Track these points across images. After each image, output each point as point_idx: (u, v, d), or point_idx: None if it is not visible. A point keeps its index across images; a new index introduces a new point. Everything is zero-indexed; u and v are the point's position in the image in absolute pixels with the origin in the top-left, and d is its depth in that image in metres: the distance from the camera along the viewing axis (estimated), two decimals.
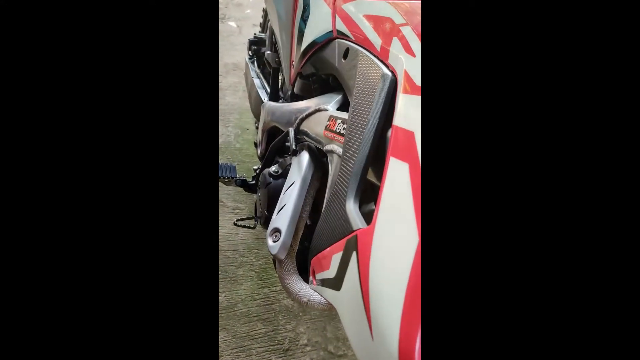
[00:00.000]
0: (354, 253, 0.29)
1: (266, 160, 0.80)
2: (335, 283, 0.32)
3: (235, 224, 0.89)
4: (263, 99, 1.03)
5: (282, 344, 1.14)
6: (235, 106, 1.97)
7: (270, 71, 1.00)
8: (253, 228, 0.87)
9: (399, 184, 0.26)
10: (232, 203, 1.49)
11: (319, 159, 0.62)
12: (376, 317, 0.24)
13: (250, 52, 1.42)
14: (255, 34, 1.40)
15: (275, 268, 0.62)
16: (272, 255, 0.57)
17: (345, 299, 0.29)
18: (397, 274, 0.22)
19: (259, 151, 0.96)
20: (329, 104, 0.59)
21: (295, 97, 0.79)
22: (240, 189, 1.53)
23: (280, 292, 1.26)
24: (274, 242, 0.57)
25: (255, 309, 1.20)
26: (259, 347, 1.12)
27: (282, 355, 1.11)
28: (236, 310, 1.19)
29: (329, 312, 1.24)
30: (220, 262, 1.29)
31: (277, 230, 0.58)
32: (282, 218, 0.58)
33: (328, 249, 0.36)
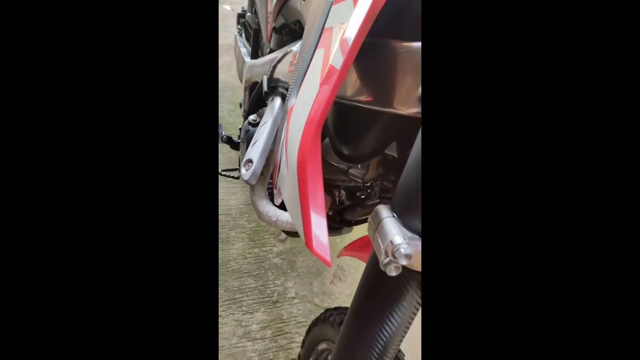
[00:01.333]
0: (285, 126, 0.35)
1: (248, 113, 0.86)
2: (282, 167, 0.38)
3: (220, 174, 0.95)
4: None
5: (271, 297, 1.21)
6: (229, 84, 2.03)
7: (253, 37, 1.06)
8: (237, 178, 0.94)
9: (317, 64, 0.32)
10: None
11: None
12: (289, 152, 0.30)
13: (239, 26, 1.48)
14: (243, 7, 1.45)
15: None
16: (245, 181, 0.64)
17: (282, 166, 0.35)
18: (301, 116, 0.29)
19: (243, 110, 1.02)
20: (295, 45, 0.65)
21: (272, 53, 0.85)
22: (233, 158, 1.60)
23: (269, 252, 1.33)
24: (246, 170, 0.64)
25: (246, 266, 1.28)
26: (249, 300, 1.19)
27: (271, 306, 1.19)
28: (228, 267, 1.26)
29: (316, 270, 1.31)
30: None
31: (249, 161, 0.64)
32: (254, 150, 0.65)
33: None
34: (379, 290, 0.31)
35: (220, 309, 1.16)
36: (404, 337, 0.34)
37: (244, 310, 1.16)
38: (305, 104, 0.29)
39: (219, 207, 1.42)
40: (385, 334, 0.32)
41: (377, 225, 0.28)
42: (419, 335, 0.33)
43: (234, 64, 2.19)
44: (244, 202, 1.46)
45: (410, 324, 0.33)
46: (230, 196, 1.47)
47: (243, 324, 1.14)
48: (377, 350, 0.32)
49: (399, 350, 0.56)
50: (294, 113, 0.32)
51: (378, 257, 0.28)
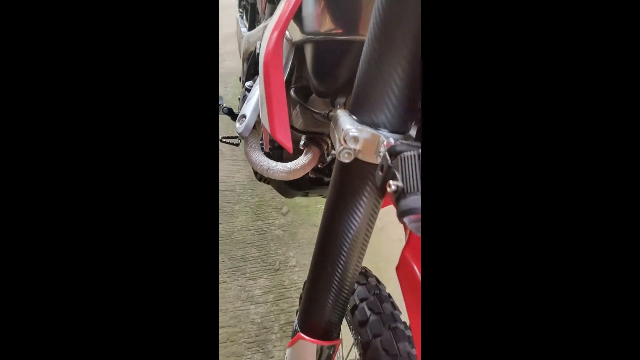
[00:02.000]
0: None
1: (245, 82, 0.91)
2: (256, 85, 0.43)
3: (220, 141, 1.01)
4: None
5: (273, 265, 1.27)
6: (233, 70, 2.09)
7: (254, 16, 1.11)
8: (237, 145, 0.99)
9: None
10: (230, 151, 1.62)
11: None
12: (259, 65, 0.35)
13: (240, 10, 1.53)
14: None
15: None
16: (238, 134, 0.69)
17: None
18: (269, 32, 0.34)
19: (242, 82, 1.08)
20: None
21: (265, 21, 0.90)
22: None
23: (272, 224, 1.39)
24: (240, 124, 0.69)
25: (250, 237, 1.34)
26: (252, 267, 1.25)
27: (273, 273, 1.25)
28: (232, 237, 1.32)
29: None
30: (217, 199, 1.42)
31: (243, 116, 0.70)
32: (248, 106, 0.70)
33: None
34: (342, 187, 0.36)
35: (225, 275, 1.22)
36: (368, 235, 0.38)
37: (247, 276, 1.22)
38: (272, 22, 0.34)
39: (224, 184, 1.48)
40: (351, 230, 0.36)
41: (335, 124, 0.33)
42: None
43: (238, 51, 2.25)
44: (247, 179, 1.52)
45: (373, 222, 0.38)
46: (234, 174, 1.53)
47: (246, 289, 1.19)
48: (345, 245, 0.37)
49: (378, 281, 0.61)
50: (264, 34, 0.37)
51: (335, 151, 0.32)
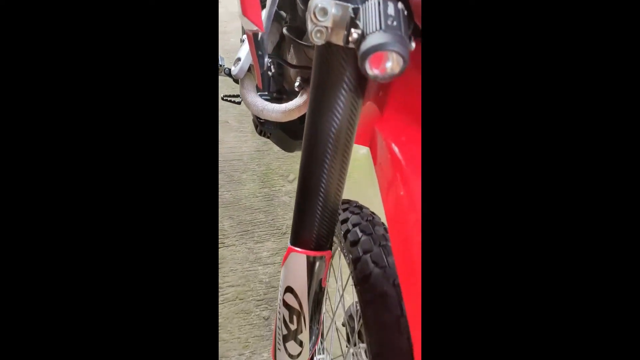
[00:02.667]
0: None
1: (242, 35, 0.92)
2: None
3: (222, 99, 1.02)
4: None
5: (280, 229, 1.29)
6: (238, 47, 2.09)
7: None
8: (239, 103, 1.00)
9: None
10: (237, 123, 1.64)
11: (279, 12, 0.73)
12: None
13: None
14: None
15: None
16: (234, 76, 0.70)
17: None
18: None
19: (241, 40, 1.08)
20: None
21: None
22: (244, 111, 1.67)
23: (278, 191, 1.40)
24: (235, 67, 0.70)
25: (257, 203, 1.35)
26: (260, 231, 1.27)
27: (280, 237, 1.26)
28: (240, 204, 1.34)
29: None
30: (226, 168, 1.44)
31: (238, 59, 0.71)
32: (243, 49, 0.71)
33: None
34: (320, 80, 0.36)
35: (233, 239, 1.24)
36: (350, 134, 0.38)
37: (255, 240, 1.25)
38: None
39: (232, 154, 1.50)
40: (333, 127, 0.37)
41: (309, 8, 0.33)
42: None
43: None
44: (255, 149, 1.53)
45: (354, 119, 0.38)
46: (242, 144, 1.55)
47: (254, 251, 1.22)
48: (329, 147, 0.37)
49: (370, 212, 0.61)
50: None
51: (308, 32, 0.32)
